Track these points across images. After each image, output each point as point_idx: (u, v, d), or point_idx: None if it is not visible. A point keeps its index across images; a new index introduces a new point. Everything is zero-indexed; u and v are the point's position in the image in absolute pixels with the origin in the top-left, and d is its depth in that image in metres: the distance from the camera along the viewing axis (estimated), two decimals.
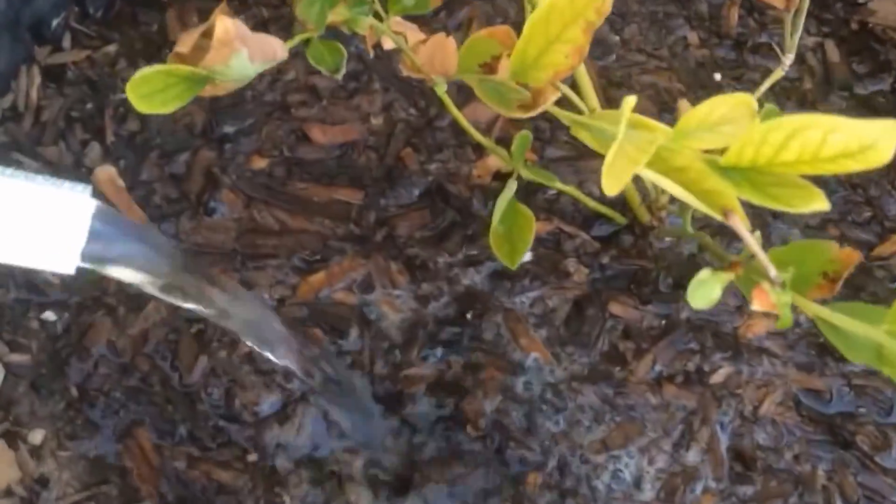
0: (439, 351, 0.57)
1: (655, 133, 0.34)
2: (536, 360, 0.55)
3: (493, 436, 0.53)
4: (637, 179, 0.59)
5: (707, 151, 0.35)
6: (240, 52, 0.34)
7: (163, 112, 0.35)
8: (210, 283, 0.42)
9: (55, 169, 0.61)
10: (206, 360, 0.57)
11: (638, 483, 0.52)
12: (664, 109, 0.69)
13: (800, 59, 0.70)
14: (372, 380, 0.56)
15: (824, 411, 0.55)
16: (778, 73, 0.50)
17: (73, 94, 0.65)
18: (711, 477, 0.53)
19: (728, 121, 0.34)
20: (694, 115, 0.34)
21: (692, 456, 0.53)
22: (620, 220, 0.61)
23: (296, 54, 0.69)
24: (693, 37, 0.74)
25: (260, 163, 0.63)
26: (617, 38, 0.70)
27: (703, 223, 0.57)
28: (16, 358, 0.57)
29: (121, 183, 0.61)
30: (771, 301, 0.33)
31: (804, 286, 0.36)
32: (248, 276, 0.59)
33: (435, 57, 0.43)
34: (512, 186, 0.49)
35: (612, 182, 0.32)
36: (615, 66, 0.70)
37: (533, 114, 0.39)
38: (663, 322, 0.57)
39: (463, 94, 0.67)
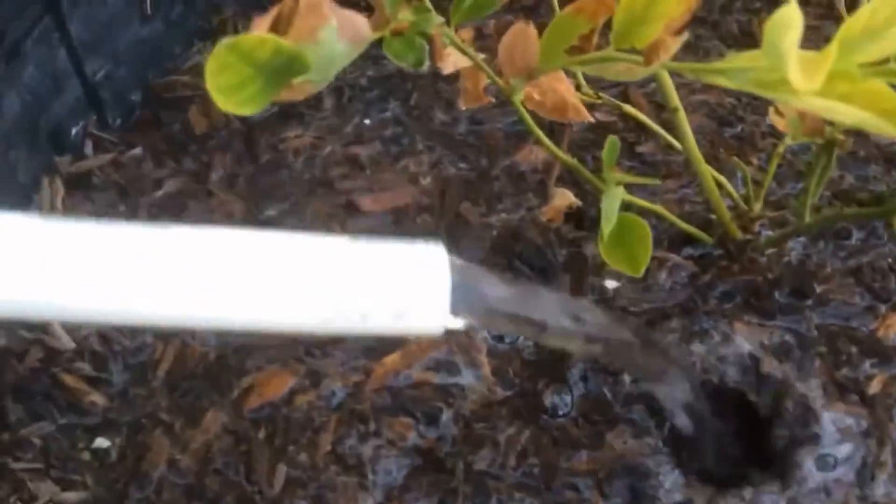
0: None
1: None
2: None
3: None
4: (725, 195, 0.54)
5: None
6: (329, 23, 0.28)
7: (241, 113, 0.29)
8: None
9: None
10: (284, 467, 0.50)
11: None
12: (723, 124, 0.64)
13: None
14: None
15: None
16: None
17: (102, 199, 0.60)
18: None
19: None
20: (856, 22, 0.28)
21: (880, 488, 0.45)
22: (707, 239, 0.55)
23: (332, 130, 0.65)
24: (730, 54, 0.70)
25: None
26: None
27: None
28: (70, 497, 0.50)
29: None
30: None
31: None
32: (314, 364, 0.53)
33: (515, 50, 0.38)
34: (618, 192, 0.44)
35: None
36: (659, 90, 0.65)
37: (652, 69, 0.33)
38: (794, 337, 0.51)
39: (513, 139, 0.63)
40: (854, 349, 0.50)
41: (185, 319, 0.28)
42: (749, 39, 0.72)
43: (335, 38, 0.29)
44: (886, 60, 0.28)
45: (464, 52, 0.40)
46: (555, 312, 0.35)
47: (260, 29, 0.29)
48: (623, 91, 0.66)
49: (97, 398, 0.52)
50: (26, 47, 0.57)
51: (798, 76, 0.25)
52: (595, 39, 0.36)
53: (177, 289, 0.27)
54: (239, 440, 0.51)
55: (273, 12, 0.29)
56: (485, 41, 0.70)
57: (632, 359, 0.40)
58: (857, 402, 0.49)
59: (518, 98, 0.42)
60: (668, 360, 0.43)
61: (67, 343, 0.54)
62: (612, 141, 0.45)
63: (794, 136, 0.47)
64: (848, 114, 0.27)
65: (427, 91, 0.67)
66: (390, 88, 0.67)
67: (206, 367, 0.53)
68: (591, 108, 0.57)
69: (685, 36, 0.31)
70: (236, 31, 0.71)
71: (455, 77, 0.47)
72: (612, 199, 0.42)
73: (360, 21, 0.30)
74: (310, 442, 0.50)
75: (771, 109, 0.46)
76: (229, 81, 0.29)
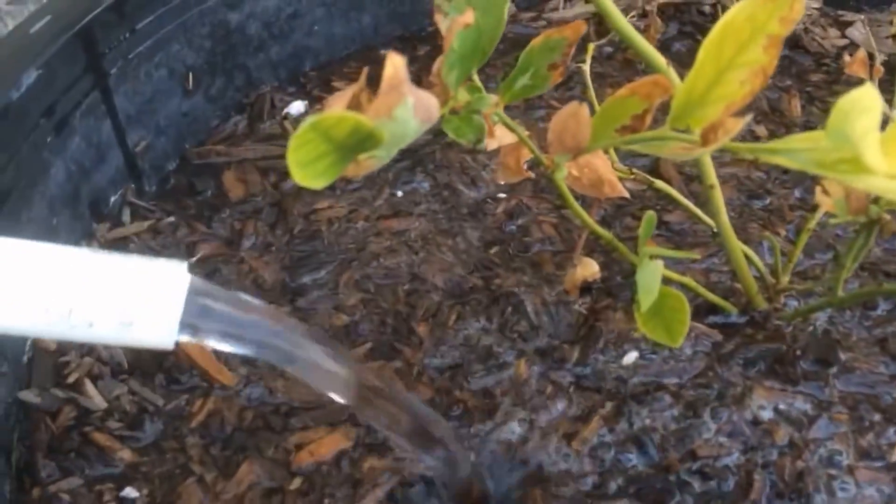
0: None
1: None
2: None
3: None
4: (751, 265, 0.55)
5: None
6: (406, 101, 0.29)
7: (314, 186, 0.30)
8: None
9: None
10: None
11: None
12: (752, 197, 0.65)
13: None
14: None
15: None
16: None
17: None
18: None
19: None
20: None
21: None
22: (731, 309, 0.56)
23: (364, 202, 0.66)
24: (761, 130, 0.72)
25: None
26: None
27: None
28: None
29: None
30: None
31: None
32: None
33: (567, 129, 0.39)
34: (655, 266, 0.45)
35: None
36: (690, 162, 0.66)
37: (711, 149, 0.34)
38: (817, 403, 0.51)
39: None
40: (878, 416, 0.50)
41: None
42: (778, 116, 0.73)
43: (410, 116, 0.30)
44: None
45: (513, 131, 0.41)
46: (291, 342, 0.36)
47: (337, 107, 0.30)
48: (654, 160, 0.67)
49: (127, 454, 0.52)
50: (75, 119, 0.60)
51: (877, 159, 0.26)
52: (648, 119, 0.37)
53: None
54: (273, 492, 0.50)
55: (347, 92, 0.30)
56: (510, 112, 0.72)
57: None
58: (880, 468, 0.49)
59: (560, 175, 0.44)
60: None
61: (100, 403, 0.54)
62: (649, 217, 0.46)
63: (840, 215, 0.48)
64: None
65: (455, 162, 0.68)
66: (419, 159, 0.69)
67: (243, 423, 0.53)
68: (621, 178, 0.59)
69: (748, 118, 0.31)
70: (273, 106, 0.74)
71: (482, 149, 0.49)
72: (651, 273, 0.43)
73: (432, 100, 0.31)
74: (349, 495, 0.49)
75: (818, 189, 0.48)
76: (307, 156, 0.30)
